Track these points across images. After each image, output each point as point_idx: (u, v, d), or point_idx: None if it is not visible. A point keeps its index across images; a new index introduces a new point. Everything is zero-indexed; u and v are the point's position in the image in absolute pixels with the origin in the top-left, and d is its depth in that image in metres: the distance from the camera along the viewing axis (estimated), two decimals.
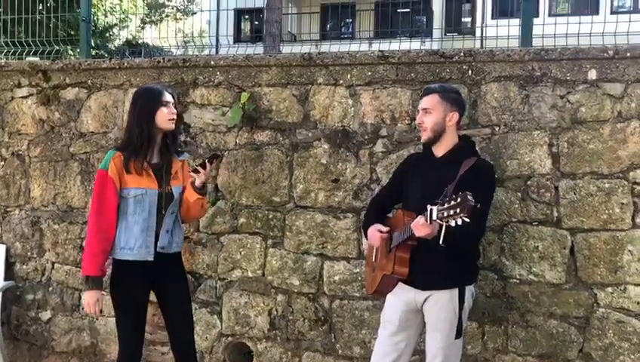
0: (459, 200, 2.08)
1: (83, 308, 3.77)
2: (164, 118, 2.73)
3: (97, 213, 2.67)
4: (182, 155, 2.93)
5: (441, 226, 2.19)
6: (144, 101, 2.75)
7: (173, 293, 2.87)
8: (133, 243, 2.69)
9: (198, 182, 2.76)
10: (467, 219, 2.08)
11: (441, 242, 2.20)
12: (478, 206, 2.10)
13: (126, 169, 2.67)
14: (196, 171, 2.74)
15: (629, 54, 2.86)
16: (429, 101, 2.59)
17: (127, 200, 2.69)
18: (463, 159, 2.51)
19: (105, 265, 2.71)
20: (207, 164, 2.74)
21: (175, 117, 2.78)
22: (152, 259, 2.72)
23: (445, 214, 2.13)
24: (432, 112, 2.57)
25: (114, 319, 3.70)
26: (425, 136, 2.62)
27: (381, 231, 2.61)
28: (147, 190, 2.70)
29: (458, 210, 2.08)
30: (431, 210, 2.20)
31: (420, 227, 2.27)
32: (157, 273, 2.78)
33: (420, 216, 2.28)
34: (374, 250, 2.78)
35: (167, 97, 2.77)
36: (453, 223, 2.13)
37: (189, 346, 2.92)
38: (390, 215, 2.82)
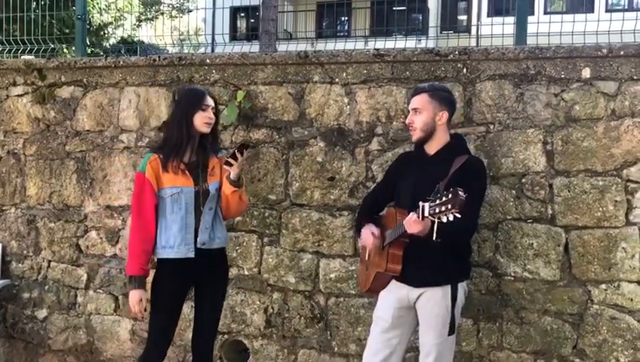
0: (450, 196, 2.10)
1: (80, 306, 3.80)
2: (201, 121, 2.74)
3: (137, 214, 2.73)
4: (219, 152, 2.93)
5: (433, 223, 2.21)
6: (185, 102, 2.78)
7: (210, 293, 2.88)
8: (173, 241, 2.72)
9: (232, 175, 2.75)
10: (458, 215, 2.10)
11: (434, 238, 2.22)
12: (466, 196, 2.11)
13: (164, 168, 2.71)
14: (228, 164, 2.74)
15: (622, 53, 2.88)
16: (419, 101, 2.60)
17: (165, 200, 2.72)
18: (454, 157, 2.52)
19: (147, 265, 2.74)
20: (238, 155, 2.71)
21: (212, 121, 2.78)
22: (193, 256, 2.73)
23: (437, 210, 2.14)
24: (421, 112, 2.58)
25: (110, 317, 3.75)
26: (415, 136, 2.63)
27: (374, 234, 2.64)
28: (183, 188, 2.72)
29: (449, 206, 2.10)
30: (422, 206, 2.22)
31: (413, 223, 2.28)
32: (200, 271, 2.79)
33: (412, 213, 2.29)
34: (368, 248, 2.80)
35: (208, 101, 2.77)
36: (444, 219, 2.14)
37: (207, 347, 2.92)
38: (383, 213, 2.83)
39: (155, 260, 2.79)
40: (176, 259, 2.72)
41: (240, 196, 2.81)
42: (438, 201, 2.15)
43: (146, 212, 2.72)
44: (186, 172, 2.74)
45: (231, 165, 2.72)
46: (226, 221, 2.97)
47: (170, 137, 2.77)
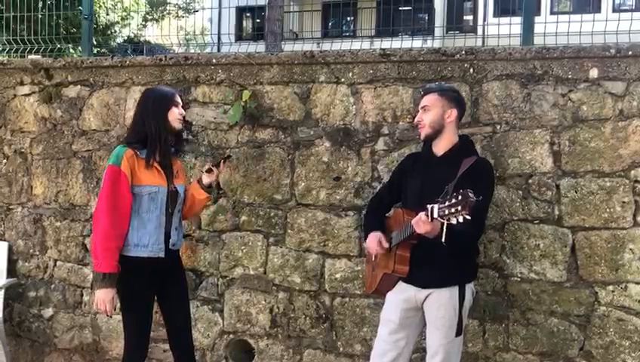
0: (460, 197, 2.08)
1: (86, 305, 3.81)
2: (175, 117, 2.77)
3: (111, 209, 2.63)
4: (177, 153, 2.97)
5: (442, 224, 2.19)
6: (158, 100, 2.78)
7: (175, 292, 2.90)
8: (147, 240, 2.70)
9: (206, 181, 2.83)
10: (468, 217, 2.08)
11: (443, 240, 2.20)
12: (480, 198, 2.10)
13: (147, 165, 2.69)
14: (210, 171, 2.78)
15: (630, 53, 2.86)
16: (427, 99, 2.62)
17: (141, 198, 2.70)
18: (462, 158, 2.51)
19: (117, 262, 2.67)
20: (222, 165, 2.83)
21: (182, 116, 2.82)
22: (164, 256, 2.75)
23: (446, 212, 2.12)
24: (430, 109, 2.59)
25: (116, 316, 3.74)
26: (423, 133, 2.62)
27: (381, 244, 2.61)
28: (160, 188, 2.73)
29: (459, 208, 2.07)
30: (432, 208, 2.19)
31: (421, 224, 2.26)
32: (165, 271, 2.80)
33: (421, 213, 2.27)
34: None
35: (178, 98, 2.83)
36: (454, 221, 2.12)
37: (188, 344, 2.94)
38: (390, 214, 2.83)
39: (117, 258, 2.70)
40: (147, 259, 2.71)
41: (206, 202, 2.94)
42: (447, 203, 2.13)
43: (123, 208, 2.65)
44: (161, 171, 2.74)
45: (212, 172, 2.82)
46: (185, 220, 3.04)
47: (144, 133, 2.72)
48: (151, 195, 2.70)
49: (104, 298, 2.64)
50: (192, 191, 2.87)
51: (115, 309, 2.74)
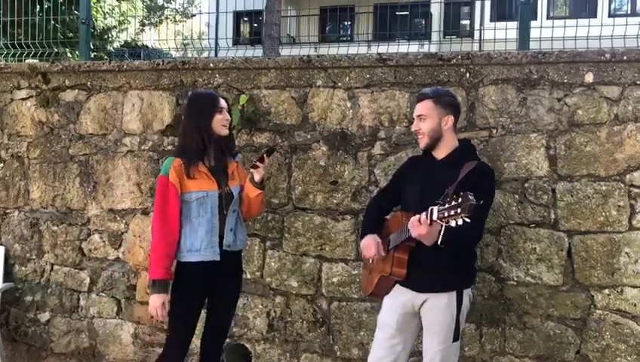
0: (460, 200, 2.07)
1: (82, 309, 3.80)
2: (219, 123, 2.77)
3: (162, 218, 2.70)
4: (236, 157, 2.96)
5: (440, 227, 2.19)
6: (200, 107, 2.78)
7: (225, 291, 2.89)
8: (199, 244, 2.72)
9: (257, 178, 2.82)
10: (468, 219, 2.07)
11: (439, 242, 2.20)
12: (481, 202, 2.09)
13: (187, 174, 2.71)
14: (255, 166, 2.79)
15: (625, 57, 2.88)
16: (423, 107, 2.59)
17: (190, 204, 2.73)
18: (463, 162, 2.50)
19: (170, 269, 2.72)
20: (266, 158, 2.80)
21: (228, 122, 2.81)
22: (219, 259, 2.75)
23: (446, 214, 2.11)
24: (426, 119, 2.57)
25: (112, 320, 3.75)
26: (423, 143, 2.61)
27: (378, 247, 2.60)
28: (208, 192, 2.74)
29: (459, 210, 2.06)
30: (431, 209, 2.19)
31: (415, 224, 2.25)
32: (221, 273, 2.81)
33: (417, 215, 2.26)
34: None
35: (222, 103, 2.81)
36: (453, 223, 2.11)
37: (220, 348, 2.95)
38: (389, 217, 2.83)
39: (175, 265, 2.76)
40: (201, 263, 2.72)
41: (262, 199, 2.89)
42: (447, 205, 2.12)
43: (171, 215, 2.71)
44: (210, 176, 2.76)
45: (257, 168, 2.80)
46: (245, 222, 3.02)
47: (190, 142, 2.76)
48: (199, 200, 2.72)
49: (155, 304, 2.69)
50: (246, 191, 2.87)
51: (168, 316, 2.74)
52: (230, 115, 2.86)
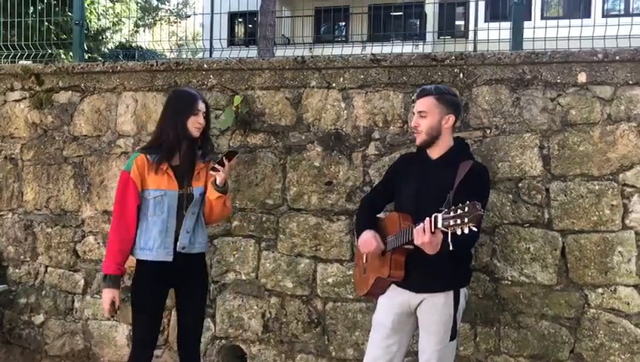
0: (466, 209, 2.03)
1: (77, 312, 3.79)
2: (193, 124, 2.77)
3: (119, 214, 2.74)
4: (208, 157, 2.94)
5: (446, 233, 2.13)
6: (179, 104, 2.79)
7: (189, 296, 2.89)
8: (152, 243, 2.73)
9: (218, 180, 2.79)
10: (475, 229, 2.04)
11: (451, 248, 2.13)
12: (483, 211, 2.06)
13: (154, 170, 2.72)
14: (215, 169, 2.77)
15: (617, 57, 2.89)
16: (425, 104, 2.54)
17: (148, 202, 2.74)
18: (458, 162, 2.48)
19: (123, 265, 2.75)
20: (225, 161, 2.77)
21: (201, 126, 2.81)
22: (171, 260, 2.74)
23: (451, 223, 2.07)
24: (427, 116, 2.52)
25: (107, 322, 3.74)
26: (419, 139, 2.57)
27: (377, 240, 2.57)
28: (167, 191, 2.74)
29: (466, 220, 2.02)
30: (435, 217, 2.14)
31: (420, 234, 2.20)
32: (178, 274, 2.80)
33: (422, 223, 2.21)
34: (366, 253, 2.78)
35: (200, 105, 2.80)
36: (459, 232, 2.06)
37: (194, 347, 2.94)
38: (382, 215, 2.81)
39: (134, 261, 2.79)
40: (155, 262, 2.73)
41: (224, 202, 2.86)
42: (452, 213, 2.08)
43: (128, 212, 2.73)
44: (172, 175, 2.75)
45: (217, 171, 2.76)
46: (208, 226, 2.99)
47: (162, 139, 2.77)
48: (157, 199, 2.73)
49: (105, 298, 2.73)
50: (207, 193, 2.85)
51: (116, 313, 2.78)
52: (207, 119, 2.85)
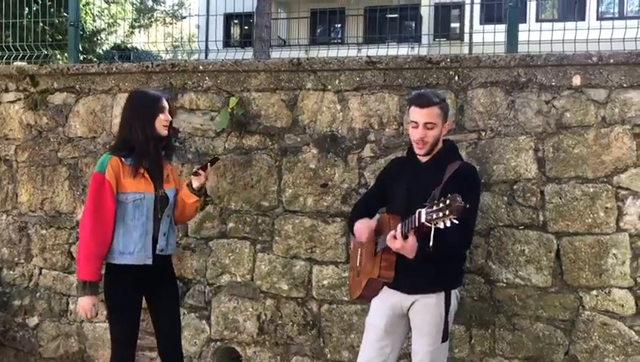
0: (447, 201, 2.08)
1: (72, 314, 3.78)
2: (161, 123, 2.75)
3: (95, 217, 2.64)
4: (170, 158, 2.96)
5: (429, 229, 2.18)
6: (144, 106, 2.75)
7: (164, 297, 2.88)
8: (133, 247, 2.69)
9: (195, 184, 2.80)
10: (456, 221, 2.09)
11: (430, 246, 2.19)
12: (467, 206, 2.10)
13: (131, 172, 2.67)
14: (196, 174, 2.77)
15: (612, 60, 2.91)
16: (432, 115, 2.53)
17: (126, 205, 2.68)
18: (447, 163, 2.53)
19: (101, 270, 2.69)
20: (209, 167, 2.80)
21: (168, 123, 2.79)
22: (151, 263, 2.73)
23: (434, 216, 2.12)
24: (434, 127, 2.54)
25: (102, 324, 3.72)
26: (425, 150, 2.58)
27: (369, 227, 2.63)
28: (145, 194, 2.71)
29: (447, 212, 2.08)
30: (419, 212, 2.20)
31: (391, 240, 2.33)
32: (152, 276, 2.78)
33: (392, 231, 2.33)
34: (358, 255, 2.80)
35: (164, 103, 2.79)
36: (441, 225, 2.12)
37: (176, 351, 2.92)
38: (375, 218, 2.82)
39: (104, 265, 2.73)
40: (132, 266, 2.70)
41: (197, 205, 2.90)
42: (435, 207, 2.13)
43: (106, 215, 2.65)
44: (147, 177, 2.72)
45: (199, 175, 2.79)
46: (176, 225, 3.01)
47: (132, 141, 2.71)
48: (136, 202, 2.69)
49: (85, 305, 2.67)
50: (182, 196, 2.85)
51: (96, 316, 2.75)
52: (172, 116, 2.84)
